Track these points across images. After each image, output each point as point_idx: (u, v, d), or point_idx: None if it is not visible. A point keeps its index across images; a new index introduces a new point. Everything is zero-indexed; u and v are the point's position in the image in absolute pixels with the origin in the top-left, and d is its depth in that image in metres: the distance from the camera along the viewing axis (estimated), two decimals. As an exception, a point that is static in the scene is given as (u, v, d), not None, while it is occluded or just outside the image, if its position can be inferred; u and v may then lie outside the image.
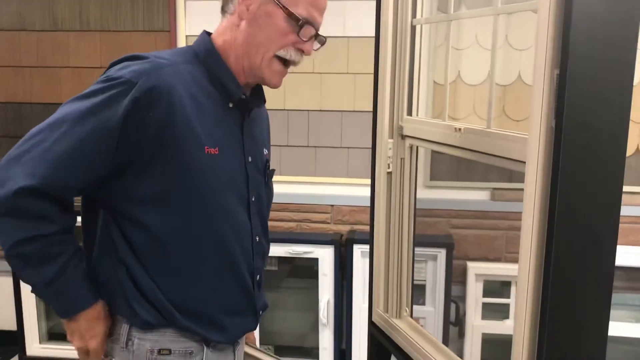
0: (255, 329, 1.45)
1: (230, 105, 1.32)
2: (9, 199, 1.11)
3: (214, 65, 1.30)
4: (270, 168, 1.49)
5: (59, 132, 1.15)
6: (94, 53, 2.99)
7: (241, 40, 1.29)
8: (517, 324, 1.18)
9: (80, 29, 2.98)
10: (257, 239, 1.39)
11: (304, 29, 1.27)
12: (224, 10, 1.34)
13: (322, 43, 1.33)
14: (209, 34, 1.36)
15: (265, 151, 1.48)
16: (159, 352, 1.27)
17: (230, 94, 1.31)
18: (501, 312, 2.87)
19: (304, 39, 1.28)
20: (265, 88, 1.41)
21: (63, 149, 1.14)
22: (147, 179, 1.21)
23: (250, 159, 1.36)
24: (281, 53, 1.29)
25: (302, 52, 1.30)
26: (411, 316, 1.79)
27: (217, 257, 1.29)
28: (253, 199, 1.37)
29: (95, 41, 2.98)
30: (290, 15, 1.26)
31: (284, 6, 1.25)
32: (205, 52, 1.30)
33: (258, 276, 1.41)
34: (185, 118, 1.20)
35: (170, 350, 1.28)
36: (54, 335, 3.19)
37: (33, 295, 3.00)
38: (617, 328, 2.67)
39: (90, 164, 1.16)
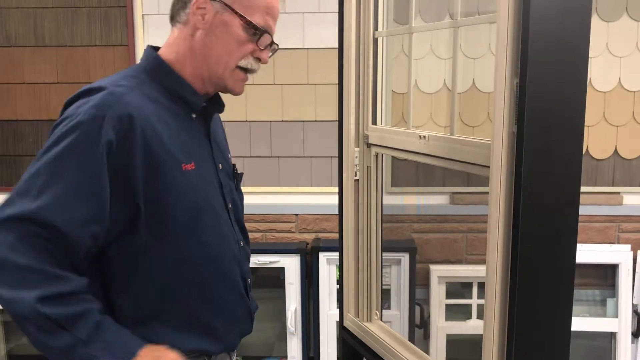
0: (251, 331, 1.45)
1: (193, 116, 1.31)
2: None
3: (168, 80, 1.27)
4: (238, 172, 1.49)
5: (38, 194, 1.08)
6: (50, 69, 2.94)
7: (198, 51, 1.26)
8: (487, 322, 1.24)
9: (35, 44, 2.93)
10: (241, 243, 1.41)
11: (262, 37, 1.27)
12: (174, 19, 1.30)
13: (275, 51, 1.34)
14: (155, 48, 1.32)
15: (229, 155, 1.48)
16: None
17: (191, 105, 1.29)
18: (464, 312, 2.95)
19: (262, 48, 1.28)
20: (224, 95, 1.40)
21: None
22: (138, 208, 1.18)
23: (220, 167, 1.37)
24: (242, 63, 1.28)
25: (259, 60, 1.31)
26: (381, 319, 1.83)
27: (212, 269, 1.29)
28: (230, 206, 1.38)
29: (52, 57, 2.93)
30: (248, 24, 1.25)
31: (241, 15, 1.24)
32: (157, 68, 1.27)
33: (249, 279, 1.43)
34: (158, 140, 1.18)
35: None
36: (14, 357, 3.11)
37: (-8, 317, 2.93)
38: (573, 323, 2.77)
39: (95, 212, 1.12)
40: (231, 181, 1.42)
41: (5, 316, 3.06)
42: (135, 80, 1.24)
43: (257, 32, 1.26)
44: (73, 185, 1.10)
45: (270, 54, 1.33)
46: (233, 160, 1.49)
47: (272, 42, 1.31)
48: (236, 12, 1.24)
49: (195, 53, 1.27)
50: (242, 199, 1.51)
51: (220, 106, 1.40)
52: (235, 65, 1.28)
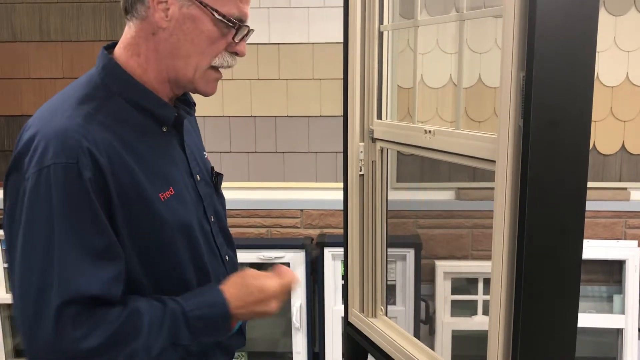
0: (244, 344, 1.35)
1: (164, 129, 1.16)
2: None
3: (131, 93, 1.10)
4: (216, 172, 1.34)
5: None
6: (56, 64, 2.94)
7: (163, 51, 1.09)
8: (492, 318, 1.23)
9: (40, 39, 2.93)
10: (227, 258, 1.30)
11: (238, 30, 1.10)
12: (128, 12, 1.10)
13: (250, 35, 1.15)
14: (109, 49, 1.15)
15: (206, 155, 1.34)
16: None
17: (161, 119, 1.14)
18: (469, 308, 2.94)
19: (237, 41, 1.12)
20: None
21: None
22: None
23: (199, 178, 1.24)
24: (216, 62, 1.12)
25: (235, 54, 1.14)
26: (386, 315, 1.83)
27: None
28: (212, 219, 1.26)
29: (57, 52, 2.94)
30: (222, 17, 1.08)
31: (211, 8, 1.07)
32: (117, 80, 1.10)
33: None
34: (129, 175, 1.05)
35: None
36: (20, 352, 3.13)
37: (-1, 311, 2.95)
38: (580, 319, 2.76)
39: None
40: (211, 188, 1.29)
41: (10, 311, 3.08)
42: (92, 104, 1.07)
43: (231, 25, 1.09)
44: (85, 245, 1.00)
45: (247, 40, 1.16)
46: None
47: (249, 31, 1.13)
48: (204, 5, 1.06)
49: (160, 55, 1.09)
50: (223, 203, 1.36)
51: (190, 108, 1.26)
52: (208, 65, 1.12)
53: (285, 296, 1.21)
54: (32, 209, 0.99)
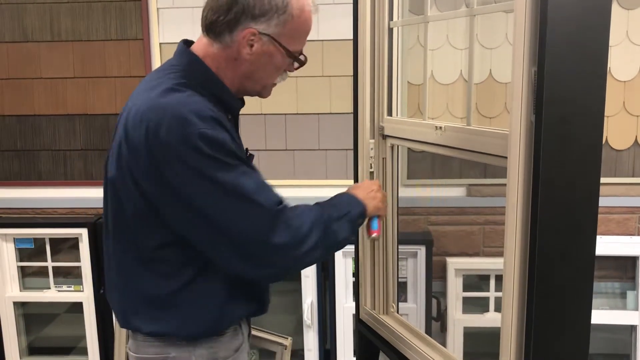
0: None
1: (229, 117, 1.37)
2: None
3: (214, 87, 1.33)
4: (249, 152, 1.52)
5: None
6: (67, 64, 2.96)
7: (239, 72, 1.34)
8: (505, 315, 1.22)
9: (51, 39, 2.95)
10: None
11: (299, 58, 1.37)
12: (213, 33, 1.32)
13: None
14: (190, 49, 1.36)
15: None
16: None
17: (231, 109, 1.38)
18: (481, 305, 2.93)
19: (296, 68, 1.40)
20: None
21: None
22: None
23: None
24: (277, 81, 1.40)
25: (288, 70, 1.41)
26: (397, 312, 1.82)
27: None
28: None
29: (68, 51, 2.95)
30: (290, 53, 1.33)
31: (285, 47, 1.31)
32: (211, 82, 1.33)
33: None
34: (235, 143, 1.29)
35: (225, 332, 1.38)
36: (34, 349, 3.15)
37: (13, 309, 2.97)
38: (593, 316, 2.75)
39: None
40: None
41: (25, 309, 3.11)
42: (205, 95, 1.30)
43: (296, 57, 1.36)
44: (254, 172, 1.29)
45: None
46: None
47: (305, 59, 1.39)
48: (281, 45, 1.31)
49: (236, 74, 1.34)
50: None
51: (243, 103, 1.48)
52: (272, 84, 1.41)
53: (380, 191, 1.51)
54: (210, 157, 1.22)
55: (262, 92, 1.42)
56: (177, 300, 1.30)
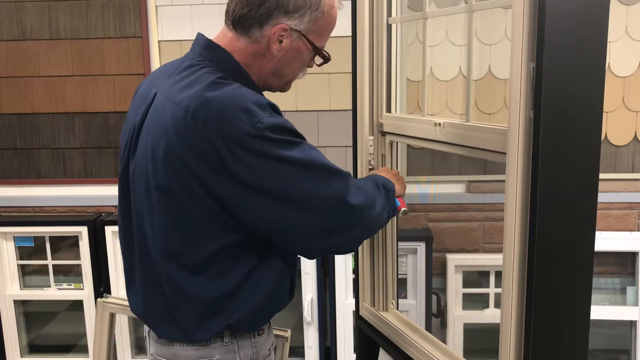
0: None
1: None
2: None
3: (239, 77, 1.31)
4: None
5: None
6: (66, 62, 2.96)
7: (266, 68, 1.33)
8: (504, 311, 1.23)
9: (50, 37, 2.95)
10: None
11: (322, 54, 1.37)
12: (242, 27, 1.29)
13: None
14: (214, 43, 1.33)
15: None
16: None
17: None
18: (481, 302, 2.94)
19: (319, 64, 1.40)
20: None
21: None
22: None
23: None
24: (299, 76, 1.42)
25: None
26: (397, 308, 1.83)
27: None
28: None
29: (66, 49, 2.95)
30: (318, 49, 1.34)
31: (312, 43, 1.32)
32: (242, 77, 1.31)
33: None
34: None
35: (264, 330, 1.42)
36: (35, 347, 3.16)
37: (13, 307, 2.97)
38: (593, 311, 2.75)
39: None
40: None
41: (26, 307, 3.11)
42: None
43: (322, 54, 1.37)
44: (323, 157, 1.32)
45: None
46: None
47: (329, 55, 1.40)
48: (309, 41, 1.32)
49: (262, 70, 1.34)
50: None
51: None
52: (294, 79, 1.42)
53: (398, 175, 1.58)
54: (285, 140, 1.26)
55: (285, 87, 1.43)
56: (229, 302, 1.29)
